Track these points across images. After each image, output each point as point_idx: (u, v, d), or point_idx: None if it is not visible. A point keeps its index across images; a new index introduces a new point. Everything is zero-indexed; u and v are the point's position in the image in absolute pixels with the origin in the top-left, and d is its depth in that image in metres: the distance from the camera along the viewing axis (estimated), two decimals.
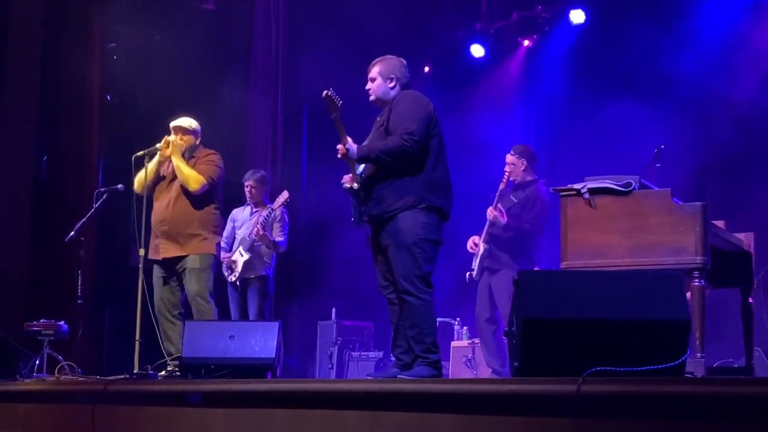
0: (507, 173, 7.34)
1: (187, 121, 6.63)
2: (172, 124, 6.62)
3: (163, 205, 6.49)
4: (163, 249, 6.42)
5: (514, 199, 7.32)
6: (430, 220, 4.97)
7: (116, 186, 7.04)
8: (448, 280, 7.91)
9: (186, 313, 6.46)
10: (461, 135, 8.68)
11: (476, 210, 7.42)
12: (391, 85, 5.21)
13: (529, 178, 7.37)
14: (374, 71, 5.25)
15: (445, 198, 5.07)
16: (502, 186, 7.30)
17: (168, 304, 6.40)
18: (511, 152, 7.42)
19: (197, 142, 6.62)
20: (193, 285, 6.36)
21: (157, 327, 6.32)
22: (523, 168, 7.35)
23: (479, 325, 7.38)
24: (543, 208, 7.31)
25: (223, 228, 6.89)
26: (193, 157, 6.56)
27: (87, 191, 7.82)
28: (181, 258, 6.41)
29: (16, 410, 5.45)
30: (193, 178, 6.42)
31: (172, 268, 6.44)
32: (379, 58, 5.29)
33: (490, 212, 7.23)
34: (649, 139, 7.65)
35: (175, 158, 6.45)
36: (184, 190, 6.44)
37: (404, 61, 5.30)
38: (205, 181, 6.43)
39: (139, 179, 6.46)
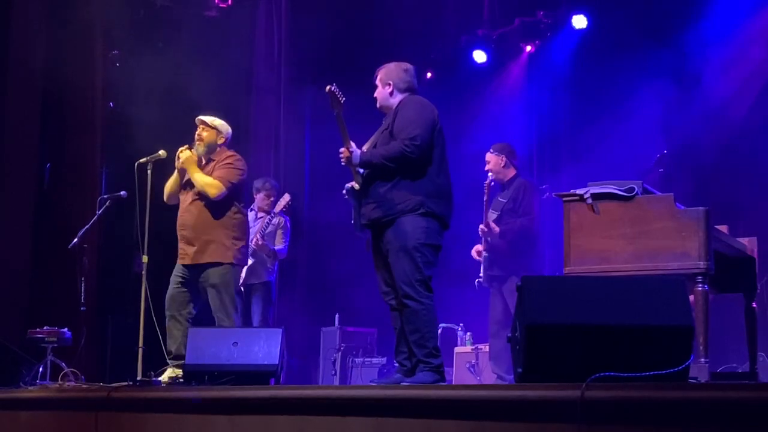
0: (488, 171, 7.40)
1: (211, 117, 6.59)
2: (198, 117, 6.59)
3: (182, 209, 6.47)
4: (183, 254, 6.39)
5: (502, 200, 7.38)
6: (430, 225, 4.99)
7: (119, 193, 7.05)
8: (451, 286, 7.91)
9: (207, 322, 6.41)
10: (463, 140, 8.68)
11: (478, 215, 7.42)
12: (389, 90, 5.24)
13: (511, 174, 7.44)
14: (377, 79, 5.29)
15: (446, 206, 5.08)
16: (485, 197, 7.31)
17: (176, 304, 6.35)
18: (490, 151, 7.48)
19: (220, 141, 6.53)
20: (215, 302, 6.31)
21: (160, 332, 6.30)
22: (502, 164, 7.42)
23: (491, 331, 7.38)
24: (533, 194, 7.39)
25: (248, 232, 6.73)
26: (212, 160, 6.51)
27: (90, 198, 7.83)
28: (201, 267, 6.35)
29: (19, 418, 5.44)
30: (209, 185, 6.35)
31: (192, 275, 6.39)
32: (381, 66, 5.31)
33: (481, 230, 7.28)
34: (652, 144, 7.66)
35: (190, 169, 6.42)
36: (203, 195, 6.40)
37: (405, 66, 5.31)
38: (223, 187, 6.36)
39: (166, 188, 6.47)
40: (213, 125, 6.55)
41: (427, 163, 5.04)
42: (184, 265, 6.39)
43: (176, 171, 6.48)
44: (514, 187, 7.39)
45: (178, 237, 6.44)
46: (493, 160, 7.44)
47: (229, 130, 6.64)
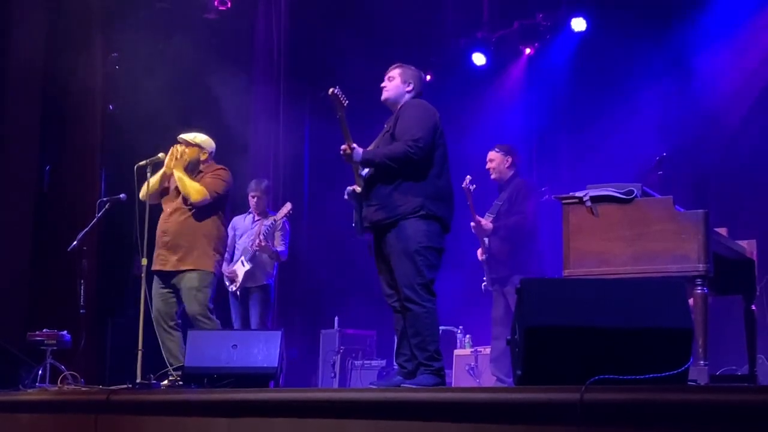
0: (490, 171, 7.39)
1: (192, 135, 6.62)
2: (179, 136, 6.62)
3: (166, 216, 6.50)
4: (161, 260, 6.41)
5: (498, 202, 7.37)
6: (432, 228, 4.99)
7: (119, 195, 7.05)
8: (451, 289, 7.90)
9: (187, 325, 6.41)
10: (463, 142, 8.68)
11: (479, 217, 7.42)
12: (408, 89, 5.24)
13: (510, 175, 7.43)
14: (395, 72, 5.27)
15: (447, 209, 5.08)
16: (469, 201, 7.27)
17: (164, 315, 6.38)
18: (495, 149, 7.47)
19: (203, 157, 6.58)
20: (192, 305, 6.32)
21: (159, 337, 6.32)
22: (507, 165, 7.42)
23: (494, 333, 7.37)
24: (529, 194, 7.37)
25: (227, 244, 6.79)
26: (200, 171, 6.55)
27: (89, 201, 7.82)
28: (178, 272, 6.38)
29: (19, 420, 5.44)
30: (194, 190, 6.39)
31: (169, 280, 6.42)
32: (402, 63, 5.32)
33: (472, 226, 7.28)
34: (651, 146, 7.66)
35: (177, 171, 6.45)
36: (188, 204, 6.42)
37: (423, 75, 5.35)
38: (207, 194, 6.40)
39: (144, 190, 6.47)
40: (195, 143, 6.58)
41: (429, 165, 5.04)
42: (162, 274, 6.41)
43: (162, 170, 6.48)
44: (512, 187, 7.38)
45: (158, 243, 6.45)
46: (498, 159, 7.42)
47: (213, 144, 6.69)
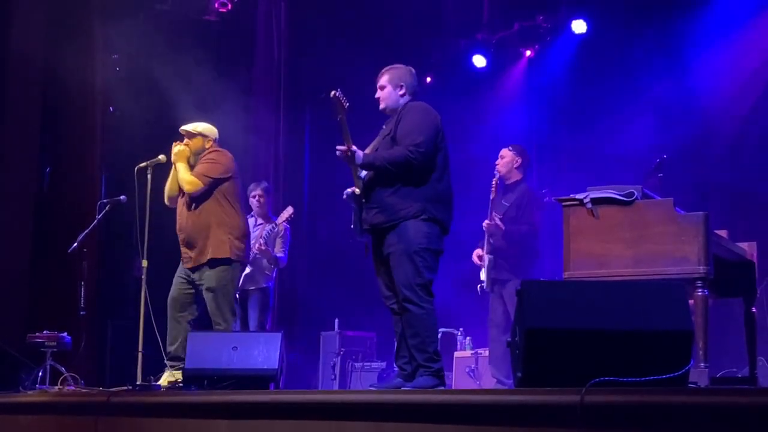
0: (497, 167, 7.40)
1: (192, 125, 6.58)
2: (181, 127, 6.61)
3: (179, 212, 6.49)
4: (186, 257, 6.41)
5: (506, 203, 7.36)
6: (432, 230, 4.99)
7: (119, 197, 7.05)
8: (451, 291, 7.91)
9: (208, 323, 6.42)
10: (462, 145, 8.68)
11: (478, 220, 7.42)
12: (401, 92, 5.22)
13: (517, 178, 7.43)
14: (383, 80, 5.26)
15: (446, 212, 5.08)
16: (492, 196, 7.30)
17: (177, 304, 6.36)
18: (509, 148, 7.49)
19: (207, 145, 6.53)
20: (211, 305, 6.31)
21: (159, 337, 6.30)
22: (516, 165, 7.42)
23: (491, 335, 7.37)
24: (535, 204, 7.38)
25: (246, 228, 6.66)
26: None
27: (89, 202, 7.83)
28: (201, 268, 6.35)
29: (19, 422, 5.44)
30: (186, 181, 6.36)
31: (190, 273, 6.39)
32: (387, 67, 5.30)
33: (486, 225, 7.27)
34: (652, 148, 7.66)
35: (179, 164, 6.44)
36: (194, 196, 6.40)
37: (413, 70, 5.32)
38: (200, 183, 6.35)
39: (167, 189, 6.48)
40: (196, 132, 6.55)
41: (430, 169, 5.03)
42: (186, 267, 6.41)
43: (173, 168, 6.49)
44: (519, 192, 7.38)
45: (179, 241, 6.45)
46: (509, 156, 7.43)
47: (215, 131, 6.63)
